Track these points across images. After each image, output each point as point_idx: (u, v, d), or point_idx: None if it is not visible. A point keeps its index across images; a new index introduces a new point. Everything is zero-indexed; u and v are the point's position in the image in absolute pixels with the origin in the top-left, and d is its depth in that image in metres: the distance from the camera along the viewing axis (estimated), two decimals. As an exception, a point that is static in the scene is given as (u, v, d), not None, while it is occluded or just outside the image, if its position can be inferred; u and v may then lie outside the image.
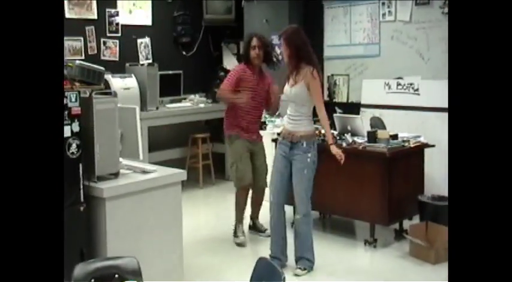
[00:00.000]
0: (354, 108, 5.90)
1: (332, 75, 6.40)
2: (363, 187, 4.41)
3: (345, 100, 6.29)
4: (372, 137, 4.40)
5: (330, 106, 6.11)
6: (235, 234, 4.62)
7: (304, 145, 3.86)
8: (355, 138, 4.55)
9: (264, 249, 4.20)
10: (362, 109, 5.86)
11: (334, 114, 5.04)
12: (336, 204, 4.61)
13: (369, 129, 4.62)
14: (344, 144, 4.50)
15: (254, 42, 4.48)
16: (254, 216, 4.89)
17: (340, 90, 6.35)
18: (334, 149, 3.90)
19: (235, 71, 4.58)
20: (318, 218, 5.09)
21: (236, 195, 4.65)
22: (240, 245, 4.54)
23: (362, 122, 4.78)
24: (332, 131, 4.76)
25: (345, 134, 4.61)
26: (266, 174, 4.67)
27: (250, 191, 4.72)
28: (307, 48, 3.89)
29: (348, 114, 5.10)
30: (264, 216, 4.66)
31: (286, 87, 3.95)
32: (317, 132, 4.25)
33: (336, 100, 6.35)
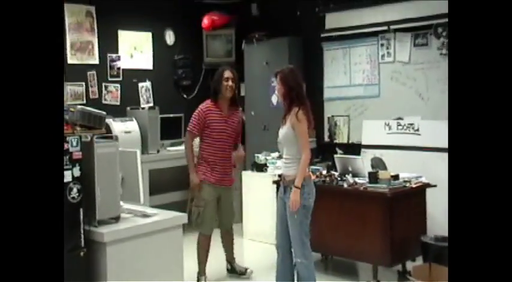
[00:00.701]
0: (354, 148, 5.97)
1: (332, 116, 6.50)
2: (364, 228, 4.44)
3: (345, 141, 6.37)
4: (373, 177, 4.46)
5: (331, 147, 6.19)
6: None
7: (291, 188, 3.80)
8: (356, 179, 4.60)
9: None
10: (363, 150, 5.93)
11: (335, 155, 5.11)
12: (337, 245, 4.62)
13: (370, 169, 4.68)
14: (345, 185, 4.56)
15: (227, 74, 4.51)
16: (230, 258, 4.88)
17: (341, 131, 6.44)
18: (294, 195, 3.73)
19: (199, 110, 4.50)
20: (320, 259, 5.09)
21: (198, 242, 4.59)
22: None
23: (363, 162, 4.84)
24: (333, 172, 4.84)
25: (346, 175, 4.66)
26: (232, 217, 4.79)
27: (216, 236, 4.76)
28: (300, 89, 3.90)
29: (348, 155, 5.17)
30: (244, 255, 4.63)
31: (280, 129, 3.96)
32: (313, 173, 4.29)
33: (336, 141, 6.42)
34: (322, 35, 6.51)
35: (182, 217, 3.51)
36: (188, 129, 4.55)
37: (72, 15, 5.99)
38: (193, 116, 4.54)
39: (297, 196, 3.73)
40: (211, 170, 4.52)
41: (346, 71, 6.40)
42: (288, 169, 3.88)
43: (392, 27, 5.90)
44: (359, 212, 4.47)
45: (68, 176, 2.86)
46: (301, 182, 3.74)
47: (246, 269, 4.86)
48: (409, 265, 4.56)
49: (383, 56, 6.05)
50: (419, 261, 4.52)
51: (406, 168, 4.87)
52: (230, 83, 4.49)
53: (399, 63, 5.91)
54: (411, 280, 4.28)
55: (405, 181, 4.56)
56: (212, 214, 4.56)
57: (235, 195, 6.59)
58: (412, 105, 5.74)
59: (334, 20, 6.42)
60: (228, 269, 4.89)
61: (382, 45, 6.05)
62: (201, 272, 4.59)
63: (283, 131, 3.89)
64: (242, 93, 7.21)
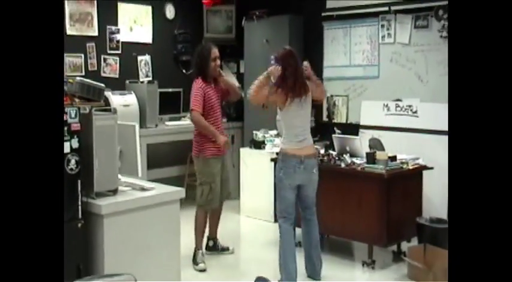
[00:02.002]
0: (352, 129, 5.92)
1: (331, 96, 6.43)
2: (361, 208, 4.42)
3: (344, 121, 6.32)
4: (371, 158, 4.42)
5: (329, 126, 6.15)
6: (194, 262, 4.48)
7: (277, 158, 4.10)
8: (354, 159, 4.57)
9: (260, 265, 4.19)
10: (361, 130, 5.88)
11: (333, 135, 5.06)
12: (333, 224, 4.60)
13: (368, 150, 4.64)
14: (343, 165, 4.52)
15: (215, 53, 4.47)
16: (213, 235, 4.80)
17: (339, 111, 6.39)
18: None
19: (199, 88, 4.45)
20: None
21: (197, 217, 4.55)
22: (201, 271, 4.42)
23: (361, 143, 4.80)
24: (331, 152, 4.81)
25: (344, 155, 4.62)
26: (229, 185, 4.75)
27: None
28: (289, 69, 3.97)
29: (346, 135, 5.12)
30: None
31: None
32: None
33: (335, 121, 6.38)
34: (323, 14, 6.41)
35: (180, 191, 3.47)
36: (194, 108, 4.42)
37: (72, -14, 5.87)
38: (194, 95, 4.45)
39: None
40: (212, 142, 4.48)
41: (346, 51, 6.32)
42: None
43: (393, 8, 5.81)
44: (356, 192, 4.44)
45: (66, 148, 2.81)
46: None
47: (228, 247, 4.79)
48: (404, 246, 4.56)
49: (383, 37, 5.97)
50: (414, 242, 4.52)
51: (403, 150, 4.84)
52: (218, 62, 4.50)
53: (399, 45, 5.83)
54: (406, 260, 4.27)
55: (402, 162, 4.52)
56: (219, 187, 4.53)
57: (233, 173, 6.61)
58: (411, 87, 5.68)
59: (335, -1, 6.33)
60: (208, 247, 4.75)
61: (382, 26, 5.97)
62: (198, 246, 4.56)
63: None
64: (241, 70, 7.15)
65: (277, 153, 4.45)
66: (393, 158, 4.48)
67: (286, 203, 4.02)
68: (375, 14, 5.97)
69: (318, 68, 6.43)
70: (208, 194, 4.45)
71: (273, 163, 4.80)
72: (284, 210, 4.03)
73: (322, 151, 4.85)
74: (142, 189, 3.30)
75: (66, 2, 5.84)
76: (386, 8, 5.85)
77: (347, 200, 4.49)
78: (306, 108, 4.02)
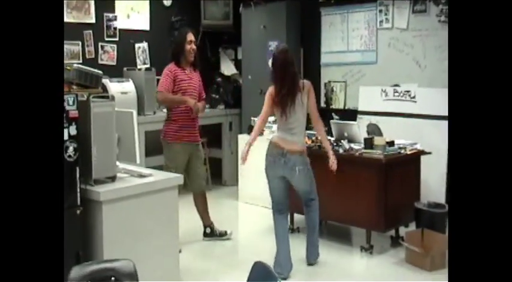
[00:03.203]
0: (350, 114, 5.92)
1: (329, 81, 6.42)
2: (359, 193, 4.42)
3: (341, 107, 6.31)
4: (369, 143, 4.42)
5: (327, 112, 6.14)
6: None
7: None
8: (352, 145, 4.57)
9: (259, 252, 4.21)
10: (359, 116, 5.88)
11: (331, 121, 5.06)
12: (332, 210, 4.61)
13: (366, 135, 4.64)
14: (341, 151, 4.53)
15: (190, 37, 4.49)
16: (207, 222, 4.78)
17: (337, 97, 6.38)
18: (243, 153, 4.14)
19: (167, 71, 4.50)
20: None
21: None
22: None
23: (359, 128, 4.80)
24: (329, 138, 4.80)
25: (342, 141, 4.62)
26: (204, 178, 4.73)
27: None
28: (278, 70, 3.97)
29: (344, 121, 5.12)
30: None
31: None
32: (308, 138, 4.56)
33: (332, 106, 6.37)
34: (320, 0, 6.37)
35: (178, 178, 3.48)
36: (159, 89, 4.51)
37: (68, -27, 5.82)
38: (162, 77, 4.55)
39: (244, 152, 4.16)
40: (180, 128, 4.51)
41: (343, 37, 6.30)
42: None
43: (391, -8, 5.79)
44: (354, 178, 4.45)
45: (64, 135, 2.80)
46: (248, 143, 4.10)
47: (226, 231, 4.80)
48: (402, 231, 4.57)
49: (381, 22, 5.94)
50: (412, 227, 4.54)
51: (401, 135, 4.84)
52: (193, 45, 4.50)
53: (397, 30, 5.80)
54: (404, 245, 4.29)
55: (400, 148, 4.52)
56: (184, 172, 4.44)
57: (231, 159, 6.62)
58: (409, 73, 5.67)
59: (333, -16, 6.29)
60: (206, 233, 4.76)
61: (380, 11, 5.94)
62: None
63: None
64: (239, 57, 7.12)
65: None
66: (391, 143, 4.48)
67: (275, 194, 4.05)
68: (373, -1, 5.95)
69: (315, 54, 6.44)
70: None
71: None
72: (274, 202, 4.07)
73: (320, 137, 4.84)
74: (141, 175, 3.31)
75: (62, -11, 5.80)
76: (384, -7, 5.83)
77: (345, 185, 4.49)
78: (294, 115, 3.94)
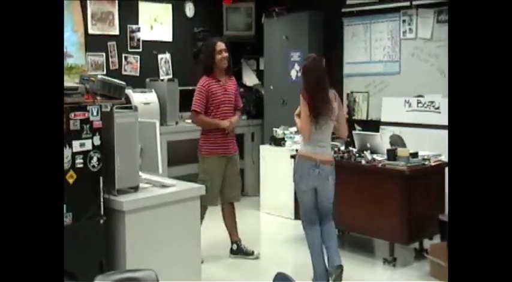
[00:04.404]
0: (373, 125, 5.89)
1: (352, 92, 6.41)
2: (382, 205, 4.39)
3: (364, 117, 6.28)
4: (392, 154, 4.39)
5: (350, 123, 6.11)
6: None
7: None
8: (375, 156, 4.54)
9: (280, 262, 4.20)
10: (382, 127, 5.84)
11: (354, 132, 5.04)
12: (354, 221, 4.59)
13: (389, 147, 4.61)
14: (363, 162, 4.50)
15: (220, 46, 4.46)
16: (235, 238, 4.70)
17: (360, 108, 6.35)
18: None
19: (200, 87, 4.47)
20: (337, 235, 5.06)
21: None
22: None
23: (381, 139, 4.77)
24: (351, 149, 4.78)
25: (365, 152, 4.60)
26: (238, 189, 4.67)
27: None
28: (310, 80, 3.94)
29: (367, 132, 5.09)
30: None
31: None
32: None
33: (355, 117, 6.34)
34: (343, 10, 6.38)
35: (200, 188, 3.49)
36: (193, 108, 4.48)
37: (93, -15, 5.94)
38: (195, 94, 4.49)
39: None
40: (214, 143, 4.49)
41: (366, 47, 6.28)
42: None
43: (414, 3, 5.75)
44: (377, 189, 4.42)
45: (88, 145, 2.85)
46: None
47: (253, 251, 4.67)
48: (427, 243, 4.51)
49: (404, 32, 5.91)
50: (436, 239, 4.48)
51: (425, 147, 4.79)
52: (224, 54, 4.46)
53: (421, 40, 5.77)
54: (428, 258, 4.24)
55: (424, 159, 4.48)
56: (218, 187, 4.49)
57: (253, 169, 6.62)
58: (433, 83, 5.62)
59: (356, -6, 6.29)
60: (232, 250, 4.69)
61: (404, 21, 5.91)
62: None
63: None
64: (261, 67, 7.15)
65: (294, 156, 4.42)
66: (415, 155, 4.44)
67: (305, 208, 4.00)
68: (396, 9, 5.92)
69: (338, 65, 6.43)
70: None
71: (293, 160, 4.80)
72: (305, 215, 4.03)
73: (342, 148, 4.83)
74: (163, 186, 3.33)
75: (88, 2, 5.91)
76: (407, 3, 5.79)
77: (368, 196, 4.47)
78: (325, 129, 3.93)
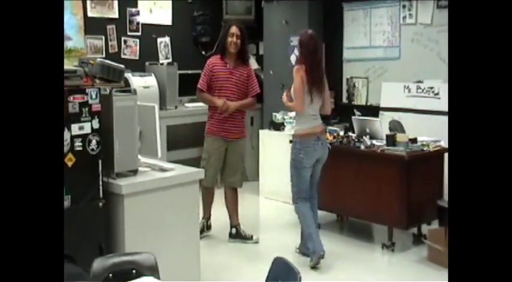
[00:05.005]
0: (372, 111, 5.86)
1: (351, 77, 6.37)
2: (381, 190, 4.39)
3: (363, 103, 6.26)
4: (391, 140, 4.37)
5: (349, 108, 6.10)
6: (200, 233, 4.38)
7: (293, 142, 4.18)
8: (374, 141, 4.53)
9: (280, 247, 4.20)
10: (381, 112, 5.81)
11: (353, 117, 5.03)
12: (353, 206, 4.59)
13: (388, 132, 4.59)
14: (362, 147, 4.49)
15: (233, 29, 4.53)
16: (235, 222, 4.70)
17: (359, 93, 6.32)
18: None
19: (206, 65, 4.63)
20: (335, 220, 5.08)
21: (202, 192, 4.53)
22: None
23: (381, 125, 4.75)
24: (350, 134, 4.77)
25: (363, 137, 4.58)
26: (238, 174, 4.65)
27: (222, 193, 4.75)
28: (310, 55, 4.07)
29: (366, 117, 5.07)
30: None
31: None
32: (330, 134, 4.60)
33: (354, 103, 6.32)
34: (343, -5, 6.33)
35: (199, 172, 3.50)
36: (198, 86, 4.62)
37: (92, -33, 5.86)
38: (202, 73, 4.64)
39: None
40: (214, 124, 4.58)
41: (366, 32, 6.23)
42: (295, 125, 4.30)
43: (415, -12, 5.71)
44: (376, 174, 4.41)
45: (87, 128, 2.84)
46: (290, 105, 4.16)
47: (252, 236, 4.67)
48: (425, 228, 4.52)
49: (404, 17, 5.87)
50: (435, 225, 4.48)
51: (424, 132, 4.77)
52: (235, 39, 4.51)
53: (421, 25, 5.73)
54: (426, 243, 4.24)
55: (423, 145, 4.47)
56: (215, 167, 4.51)
57: (252, 154, 6.60)
58: (433, 68, 5.58)
59: (356, -21, 6.23)
60: (231, 234, 4.67)
61: (404, 6, 5.86)
62: (202, 224, 4.59)
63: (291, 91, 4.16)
64: (261, 52, 7.10)
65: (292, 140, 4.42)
66: (414, 140, 4.43)
67: (305, 184, 4.11)
68: (397, -6, 5.88)
69: (337, 49, 6.40)
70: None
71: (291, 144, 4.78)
72: (303, 191, 4.11)
73: (341, 133, 4.82)
74: (162, 169, 3.32)
75: (87, -15, 5.85)
76: (408, -12, 5.76)
77: (367, 182, 4.46)
78: (316, 102, 4.10)
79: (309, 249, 4.06)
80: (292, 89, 4.11)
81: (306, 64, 4.02)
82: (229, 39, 4.50)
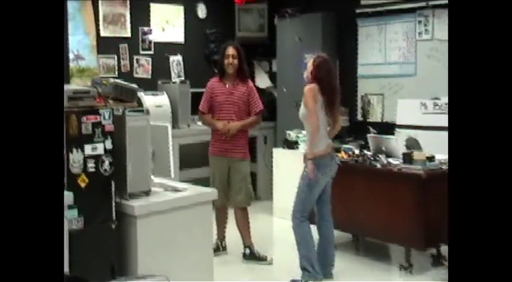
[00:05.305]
0: (388, 128, 5.85)
1: (366, 94, 6.38)
2: (397, 209, 4.36)
3: (379, 120, 6.26)
4: (408, 158, 4.36)
5: (364, 126, 6.09)
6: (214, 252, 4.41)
7: (308, 162, 4.10)
8: (390, 160, 4.52)
9: (294, 268, 4.18)
10: (397, 129, 5.80)
11: (368, 135, 5.02)
12: (369, 226, 4.56)
13: (404, 150, 4.58)
14: (378, 166, 4.48)
15: (229, 51, 4.61)
16: (247, 243, 4.71)
17: (374, 110, 6.33)
18: (309, 165, 4.03)
19: (206, 88, 4.76)
20: (351, 240, 5.05)
21: (215, 212, 4.57)
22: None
23: (397, 142, 4.74)
24: (366, 152, 4.76)
25: (379, 155, 4.58)
26: (243, 194, 4.66)
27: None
28: (328, 78, 4.11)
29: (382, 135, 5.07)
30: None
31: None
32: (345, 153, 4.63)
33: (369, 120, 6.32)
34: (357, 11, 6.38)
35: (212, 193, 3.50)
36: (199, 108, 4.77)
37: (105, -13, 5.98)
38: (203, 95, 4.77)
39: (309, 167, 4.01)
40: (214, 143, 4.67)
41: (381, 48, 6.26)
42: (306, 145, 4.25)
43: (431, 3, 5.74)
44: (392, 193, 4.39)
45: (100, 149, 2.87)
46: (311, 154, 4.01)
47: (266, 257, 4.67)
48: (444, 249, 4.47)
49: (420, 33, 5.89)
50: (453, 245, 4.43)
51: (442, 150, 4.73)
52: (230, 59, 4.58)
53: (437, 41, 5.74)
54: (446, 265, 4.20)
55: (441, 163, 4.44)
56: (220, 187, 4.47)
57: (265, 173, 6.61)
58: (449, 85, 5.57)
59: (370, -5, 6.27)
60: (244, 255, 4.68)
61: (419, 22, 5.89)
62: (216, 245, 4.62)
63: (300, 110, 4.16)
64: (274, 69, 7.16)
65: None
66: (431, 158, 4.41)
67: (310, 203, 4.15)
68: (412, 10, 5.91)
69: (352, 66, 6.42)
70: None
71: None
72: (308, 209, 4.15)
73: (356, 151, 4.82)
74: (175, 190, 3.34)
75: (99, 4, 5.97)
76: (423, 3, 5.78)
77: (383, 201, 4.44)
78: (327, 121, 4.15)
79: (311, 272, 4.05)
80: (303, 109, 4.11)
81: (320, 84, 4.04)
82: (226, 60, 4.59)
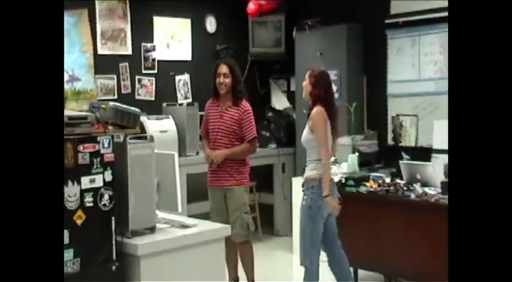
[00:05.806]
0: (423, 153, 5.85)
1: (397, 115, 6.41)
2: (435, 245, 4.34)
3: (413, 144, 6.27)
4: (447, 187, 4.36)
5: (395, 151, 6.10)
6: None
7: (304, 191, 4.19)
8: (426, 189, 4.52)
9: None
10: (434, 155, 5.80)
11: (400, 161, 5.03)
12: (403, 265, 4.54)
13: (443, 178, 4.58)
14: (413, 196, 4.48)
15: (219, 69, 4.67)
16: (249, 278, 4.79)
17: (407, 133, 6.34)
18: (329, 202, 4.07)
19: (205, 110, 4.90)
20: (383, 281, 5.02)
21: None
22: None
23: (434, 169, 4.75)
24: (398, 181, 4.76)
25: (414, 184, 4.58)
26: (239, 226, 4.67)
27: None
28: (328, 90, 4.23)
29: (416, 161, 5.08)
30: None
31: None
32: (374, 182, 4.62)
33: (402, 144, 6.33)
34: (386, 22, 6.43)
35: (224, 229, 3.52)
36: (200, 133, 4.93)
37: (103, 0, 6.09)
38: None
39: (333, 202, 4.10)
40: (211, 170, 4.76)
41: (414, 63, 6.30)
42: (306, 172, 4.25)
43: (469, 11, 5.78)
44: (429, 228, 4.38)
45: (99, 181, 2.90)
46: (328, 187, 4.05)
47: None
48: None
49: (458, 45, 5.91)
50: (500, 286, 4.40)
51: (485, 177, 4.74)
52: (221, 79, 4.63)
53: (478, 54, 5.76)
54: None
55: (484, 192, 4.43)
56: (219, 220, 4.42)
57: (284, 205, 6.62)
58: (492, 103, 5.58)
59: (400, 3, 6.33)
60: None
61: (457, 32, 5.92)
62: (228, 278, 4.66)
63: (303, 134, 4.24)
64: (292, 88, 7.21)
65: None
66: (473, 187, 4.40)
67: (317, 237, 4.14)
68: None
69: (381, 84, 6.46)
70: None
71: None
72: (314, 247, 4.14)
73: (387, 180, 4.83)
74: (183, 226, 3.36)
75: (97, 18, 6.05)
76: (460, 12, 5.82)
77: (419, 236, 4.43)
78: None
79: None
80: (309, 134, 4.17)
81: (326, 107, 4.13)
82: (217, 80, 4.65)
